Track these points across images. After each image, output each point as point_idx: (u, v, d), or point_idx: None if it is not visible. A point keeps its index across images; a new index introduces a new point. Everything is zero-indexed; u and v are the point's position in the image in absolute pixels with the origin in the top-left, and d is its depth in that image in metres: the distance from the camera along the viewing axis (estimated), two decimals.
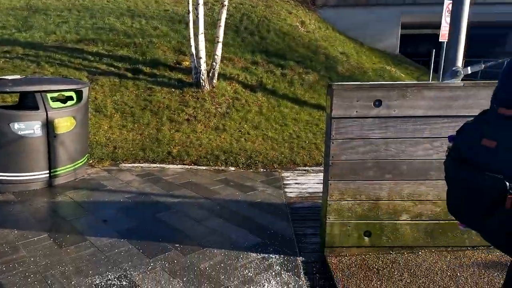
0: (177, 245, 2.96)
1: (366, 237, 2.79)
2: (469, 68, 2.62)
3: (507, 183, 1.17)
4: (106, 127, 6.01)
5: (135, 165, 5.06)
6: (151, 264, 2.70)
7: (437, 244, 2.81)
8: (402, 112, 2.57)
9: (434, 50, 13.11)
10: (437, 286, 2.39)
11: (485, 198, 1.24)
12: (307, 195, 4.02)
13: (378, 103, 2.55)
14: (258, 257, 2.82)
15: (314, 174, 4.68)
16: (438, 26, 9.46)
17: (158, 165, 5.06)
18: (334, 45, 11.09)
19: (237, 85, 7.46)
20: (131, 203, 3.82)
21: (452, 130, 2.69)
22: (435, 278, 2.48)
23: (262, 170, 4.93)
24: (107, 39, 8.61)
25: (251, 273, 2.61)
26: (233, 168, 4.99)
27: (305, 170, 4.88)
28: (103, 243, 2.97)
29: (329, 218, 2.75)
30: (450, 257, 2.72)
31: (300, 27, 11.22)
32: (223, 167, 5.01)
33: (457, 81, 2.57)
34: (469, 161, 1.34)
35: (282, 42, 9.76)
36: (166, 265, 2.68)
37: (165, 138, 5.74)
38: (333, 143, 2.62)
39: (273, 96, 7.40)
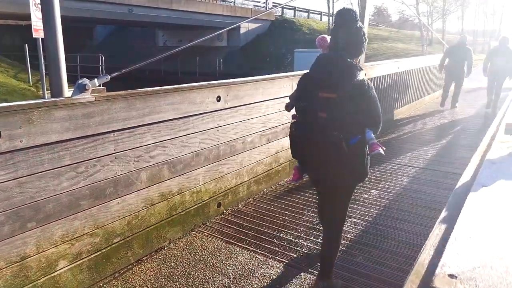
0: None
1: None
2: (96, 80, 2.44)
3: (342, 136, 1.93)
4: None
5: None
6: None
7: (103, 275, 2.53)
8: (32, 141, 2.00)
9: (26, 44, 12.00)
10: None
11: (334, 149, 1.96)
12: None
13: None
14: None
15: None
16: (29, 17, 8.60)
17: None
18: None
19: None
20: None
21: (96, 151, 2.40)
22: None
23: None
24: None
25: None
26: None
27: None
28: None
29: None
30: (120, 284, 2.53)
31: None
32: None
33: (88, 96, 2.31)
34: (310, 128, 2.04)
35: None
36: None
37: None
38: None
39: None
